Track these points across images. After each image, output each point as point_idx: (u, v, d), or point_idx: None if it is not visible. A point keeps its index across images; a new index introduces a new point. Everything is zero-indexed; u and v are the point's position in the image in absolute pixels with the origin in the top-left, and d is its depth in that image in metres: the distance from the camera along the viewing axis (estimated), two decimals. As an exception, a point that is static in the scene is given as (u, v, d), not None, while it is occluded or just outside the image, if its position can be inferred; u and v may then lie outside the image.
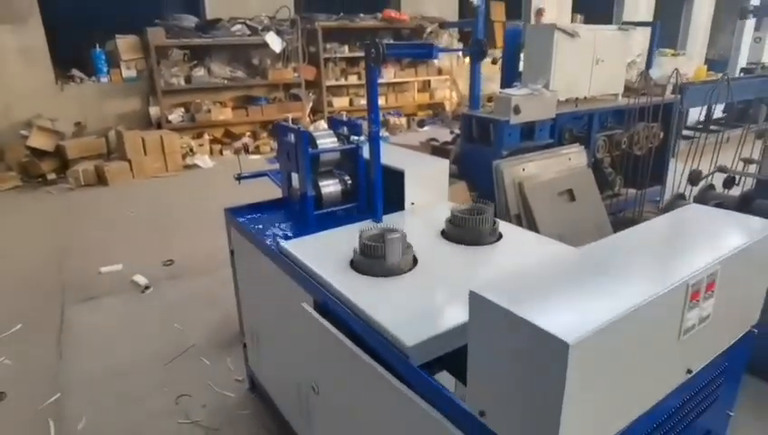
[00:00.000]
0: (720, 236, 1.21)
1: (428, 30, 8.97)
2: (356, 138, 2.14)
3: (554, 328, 0.82)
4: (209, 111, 7.70)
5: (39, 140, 6.62)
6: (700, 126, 6.26)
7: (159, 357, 3.00)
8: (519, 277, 1.02)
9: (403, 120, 9.12)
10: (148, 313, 3.51)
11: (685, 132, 6.74)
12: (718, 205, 2.85)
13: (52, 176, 6.51)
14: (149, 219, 5.24)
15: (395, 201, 2.20)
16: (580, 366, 0.82)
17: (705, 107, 4.90)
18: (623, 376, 0.95)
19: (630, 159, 4.63)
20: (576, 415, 0.88)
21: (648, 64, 5.17)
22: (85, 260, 4.29)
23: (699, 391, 1.21)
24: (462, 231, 1.82)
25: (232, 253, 2.41)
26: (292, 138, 2.19)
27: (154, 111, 7.53)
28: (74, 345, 3.17)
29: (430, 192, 2.24)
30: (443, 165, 2.28)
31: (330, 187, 2.26)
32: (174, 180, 6.66)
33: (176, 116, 7.60)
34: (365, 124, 2.09)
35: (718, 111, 7.28)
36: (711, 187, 3.19)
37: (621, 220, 4.56)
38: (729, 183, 3.19)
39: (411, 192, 2.18)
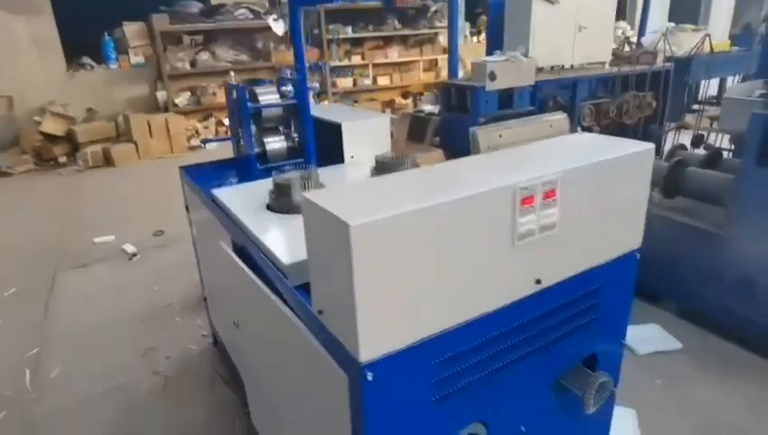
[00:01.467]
0: (578, 153, 1.22)
1: (433, 9, 8.90)
2: (285, 88, 2.20)
3: (343, 214, 0.87)
4: (215, 93, 7.85)
5: (51, 126, 6.90)
6: (714, 100, 6.06)
7: (135, 316, 3.15)
8: (354, 188, 1.07)
9: (408, 101, 9.10)
10: (132, 277, 3.68)
11: (697, 107, 6.52)
12: (680, 162, 2.81)
13: (63, 159, 6.79)
14: (148, 196, 5.43)
15: (337, 156, 2.26)
16: (370, 251, 0.87)
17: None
18: (441, 273, 0.98)
19: (627, 131, 4.56)
20: (380, 305, 0.92)
21: (641, 31, 5.04)
22: (82, 233, 4.49)
23: (562, 307, 1.23)
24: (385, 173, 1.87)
25: (187, 208, 2.52)
26: (234, 94, 2.27)
27: (161, 95, 7.73)
28: (60, 306, 3.35)
29: (371, 146, 2.28)
30: (383, 120, 2.32)
31: (275, 143, 2.32)
32: (178, 161, 6.83)
33: (182, 99, 7.78)
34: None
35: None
36: (682, 146, 3.13)
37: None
38: (697, 141, 3.13)
39: (350, 146, 2.22)
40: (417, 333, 1.00)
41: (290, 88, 2.27)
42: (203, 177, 2.32)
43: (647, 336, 2.65)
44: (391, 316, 0.95)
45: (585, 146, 1.31)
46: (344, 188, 1.07)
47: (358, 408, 1.00)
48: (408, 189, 1.04)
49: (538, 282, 1.15)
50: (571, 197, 1.13)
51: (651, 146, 1.29)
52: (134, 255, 3.98)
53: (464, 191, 0.98)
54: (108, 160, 6.67)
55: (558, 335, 1.26)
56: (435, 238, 0.95)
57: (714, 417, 2.18)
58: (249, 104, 2.19)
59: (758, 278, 2.43)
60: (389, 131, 2.34)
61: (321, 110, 2.55)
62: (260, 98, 2.24)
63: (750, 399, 2.26)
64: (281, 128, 2.36)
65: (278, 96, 2.28)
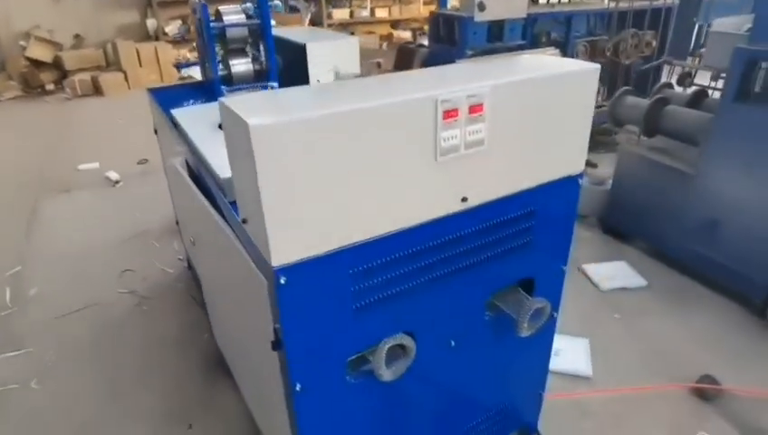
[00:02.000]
0: (515, 69, 1.19)
1: (436, -64, 8.42)
2: (248, 5, 2.13)
3: (247, 114, 0.86)
4: (206, 23, 7.60)
5: (37, 51, 6.74)
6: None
7: (115, 240, 3.21)
8: (274, 94, 1.05)
9: (407, 34, 8.81)
10: (114, 203, 3.72)
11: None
12: (661, 100, 2.74)
13: (50, 86, 6.69)
14: (135, 125, 5.38)
15: (304, 79, 2.22)
16: (274, 153, 0.87)
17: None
18: (356, 184, 0.98)
19: (620, 70, 4.43)
20: (290, 210, 0.93)
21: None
22: (67, 160, 4.49)
23: (492, 227, 1.24)
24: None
25: (155, 131, 2.50)
26: (198, 13, 2.20)
27: (151, 23, 7.50)
28: (41, 228, 3.41)
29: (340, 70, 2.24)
30: (351, 42, 2.26)
31: (240, 65, 2.28)
32: (168, 92, 6.74)
33: (172, 28, 7.55)
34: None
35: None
36: (668, 84, 3.05)
37: (598, 131, 4.44)
38: (682, 80, 3.04)
39: (315, 68, 2.18)
40: (332, 241, 1.01)
41: (249, 5, 2.20)
42: (168, 99, 2.29)
43: (613, 273, 2.70)
44: (304, 223, 0.96)
45: (527, 64, 1.28)
46: (264, 95, 1.05)
47: (275, 311, 1.04)
48: (327, 97, 1.03)
49: (464, 200, 1.15)
50: (502, 113, 1.11)
51: (596, 67, 1.25)
52: (117, 182, 4.00)
53: (379, 100, 0.96)
54: (97, 89, 6.56)
55: (489, 255, 1.28)
56: (347, 147, 0.95)
57: (660, 346, 2.25)
58: (212, 24, 2.12)
59: (721, 219, 2.43)
60: (358, 55, 2.28)
61: (288, 31, 2.48)
62: (224, 17, 2.17)
63: (697, 331, 2.33)
64: (247, 50, 2.31)
65: (243, 16, 2.21)
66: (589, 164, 3.31)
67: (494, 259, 1.30)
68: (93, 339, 2.40)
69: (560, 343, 2.22)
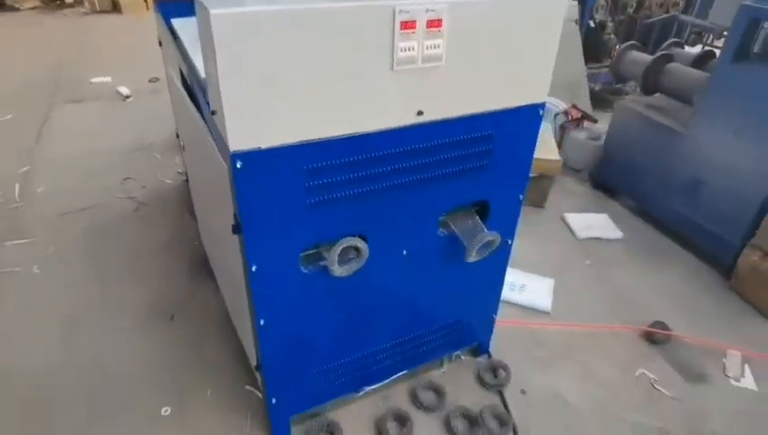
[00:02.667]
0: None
1: None
2: None
3: (211, 5, 0.93)
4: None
5: (59, -38, 6.71)
6: None
7: (119, 150, 3.34)
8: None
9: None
10: (123, 116, 3.83)
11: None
12: (664, 57, 2.72)
13: (70, 0, 6.69)
14: (150, 44, 5.40)
15: None
16: (233, 43, 0.95)
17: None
18: (312, 82, 1.05)
19: (640, 28, 4.32)
20: (247, 100, 1.02)
21: None
22: (81, 72, 4.59)
23: (447, 145, 1.31)
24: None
25: (160, 43, 2.56)
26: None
27: (174, -59, 7.35)
28: (51, 134, 3.55)
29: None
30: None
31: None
32: (186, 15, 6.71)
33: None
34: None
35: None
36: (677, 43, 3.00)
37: (610, 90, 4.39)
38: (697, 40, 2.99)
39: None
40: (288, 136, 1.10)
41: None
42: (176, 11, 2.33)
43: (592, 224, 2.77)
44: (262, 114, 1.05)
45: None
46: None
47: (234, 195, 1.14)
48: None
49: (420, 113, 1.22)
50: (462, 32, 1.16)
51: (564, -4, 1.28)
52: (127, 97, 4.10)
53: (338, 3, 1.02)
54: (115, 6, 6.56)
55: (443, 173, 1.36)
56: (305, 45, 1.02)
57: (622, 293, 2.35)
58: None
59: (705, 179, 2.47)
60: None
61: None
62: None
63: (662, 284, 2.42)
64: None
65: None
66: (588, 118, 3.32)
67: (448, 178, 1.38)
68: (91, 236, 2.57)
69: (527, 280, 2.34)
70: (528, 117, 1.40)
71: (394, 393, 1.83)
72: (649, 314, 2.21)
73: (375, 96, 1.15)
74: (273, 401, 1.56)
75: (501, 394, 1.84)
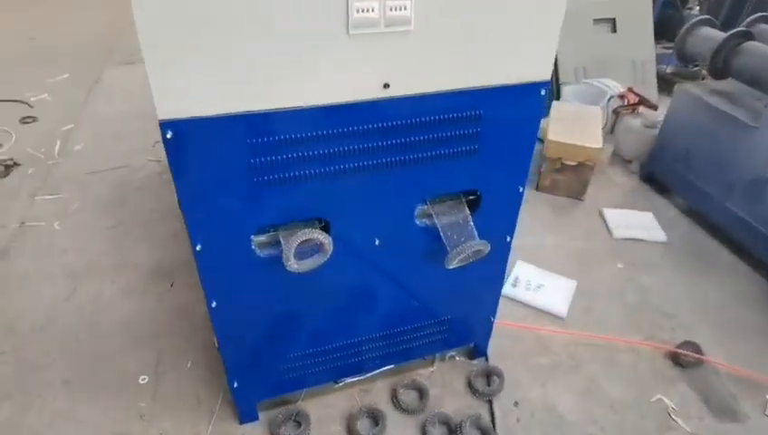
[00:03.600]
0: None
1: None
2: None
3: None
4: None
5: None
6: None
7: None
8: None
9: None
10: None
11: None
12: (741, 34, 2.33)
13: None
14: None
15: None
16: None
17: None
18: (253, 40, 0.92)
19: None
20: (176, 61, 0.91)
21: None
22: (135, 35, 4.69)
23: (422, 124, 1.14)
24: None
25: None
26: None
27: None
28: (100, 94, 3.67)
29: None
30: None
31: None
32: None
33: None
34: None
35: None
36: (764, 18, 2.56)
37: (683, 73, 3.91)
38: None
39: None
40: (225, 104, 0.98)
41: None
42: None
43: (633, 222, 2.48)
44: (195, 77, 0.93)
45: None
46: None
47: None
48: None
49: (386, 86, 1.06)
50: (433, -6, 0.99)
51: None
52: (174, 60, 4.16)
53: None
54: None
55: (419, 156, 1.19)
56: (235, -1, 0.89)
57: (653, 304, 2.08)
58: None
59: (773, 180, 2.11)
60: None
61: None
62: None
63: (703, 297, 2.12)
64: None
65: None
66: (646, 103, 2.96)
67: (426, 162, 1.21)
68: (114, 196, 2.62)
69: (546, 279, 2.13)
70: (525, 97, 1.20)
71: (375, 389, 1.72)
72: (681, 331, 1.94)
73: (328, 65, 1.00)
74: (235, 384, 1.49)
75: (490, 404, 1.68)
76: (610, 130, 2.99)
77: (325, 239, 1.19)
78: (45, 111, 3.42)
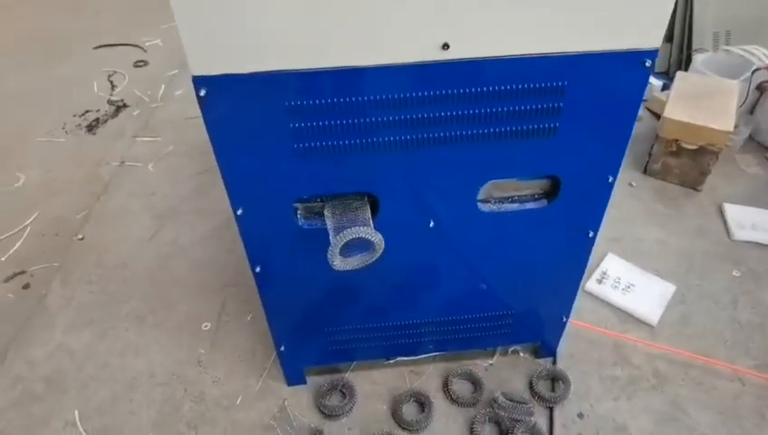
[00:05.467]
0: None
1: None
2: None
3: None
4: None
5: None
6: None
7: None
8: None
9: None
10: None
11: None
12: None
13: None
14: None
15: None
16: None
17: None
18: None
19: None
20: (207, 16, 0.82)
21: None
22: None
23: (490, 95, 0.96)
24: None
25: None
26: None
27: None
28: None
29: None
30: None
31: None
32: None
33: None
34: None
35: None
36: None
37: None
38: None
39: None
40: (262, 61, 0.88)
41: None
42: None
43: (761, 224, 2.07)
44: (228, 30, 0.85)
45: None
46: None
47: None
48: None
49: (445, 47, 0.90)
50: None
51: None
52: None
53: None
54: None
55: (484, 132, 1.02)
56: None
57: (764, 322, 1.73)
58: None
59: None
60: None
61: None
62: None
63: None
64: None
65: None
66: (804, 79, 2.42)
67: (493, 138, 1.04)
68: (205, 142, 2.67)
69: (639, 278, 1.87)
70: (625, 68, 0.96)
71: (426, 373, 1.63)
72: (805, 363, 1.61)
73: (381, 19, 0.86)
74: (282, 348, 1.47)
75: (551, 411, 1.51)
76: (750, 110, 2.50)
77: (375, 237, 1.08)
78: (156, 56, 3.60)
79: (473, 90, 0.96)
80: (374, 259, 1.11)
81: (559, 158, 1.10)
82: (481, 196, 1.17)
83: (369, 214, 1.13)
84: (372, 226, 1.10)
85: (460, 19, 0.87)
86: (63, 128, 2.87)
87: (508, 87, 0.96)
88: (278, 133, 0.98)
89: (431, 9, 0.85)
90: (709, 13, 2.77)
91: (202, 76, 0.90)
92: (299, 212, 1.16)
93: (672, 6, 0.90)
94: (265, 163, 1.03)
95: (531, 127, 1.03)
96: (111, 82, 3.30)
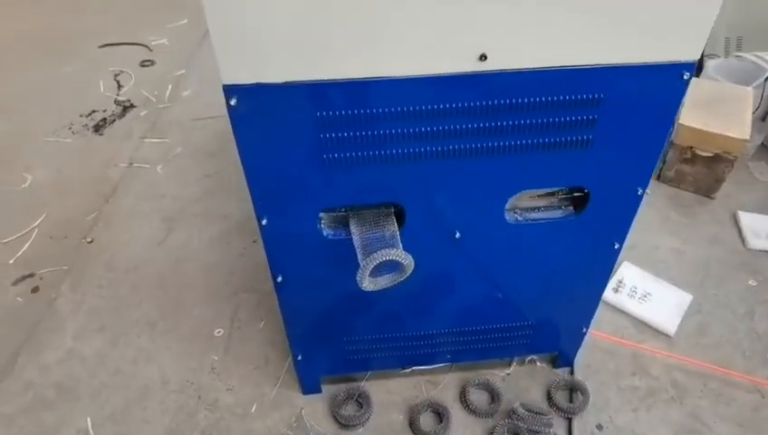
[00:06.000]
0: None
1: None
2: None
3: None
4: None
5: None
6: None
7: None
8: None
9: None
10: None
11: None
12: None
13: None
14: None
15: None
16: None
17: None
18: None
19: None
20: (237, 17, 0.80)
21: None
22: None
23: (525, 107, 0.94)
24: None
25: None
26: None
27: None
28: (209, 43, 3.74)
29: None
30: None
31: None
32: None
33: None
34: None
35: None
36: None
37: None
38: None
39: None
40: (294, 71, 0.86)
41: None
42: None
43: (777, 232, 2.07)
44: (261, 39, 0.83)
45: None
46: None
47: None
48: None
49: (483, 58, 0.88)
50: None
51: None
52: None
53: None
54: None
55: (517, 143, 1.01)
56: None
57: (788, 338, 1.73)
58: None
59: None
60: None
61: None
62: None
63: None
64: None
65: None
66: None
67: (526, 150, 1.02)
68: (213, 144, 2.68)
69: (655, 287, 1.86)
70: (662, 81, 0.95)
71: (443, 383, 1.61)
72: (825, 376, 1.60)
73: (419, 29, 0.84)
74: (299, 357, 1.46)
75: (570, 422, 1.50)
76: (762, 117, 2.49)
77: (406, 260, 1.05)
78: (162, 56, 3.57)
79: (509, 101, 0.95)
80: (403, 279, 1.09)
81: (590, 169, 1.09)
82: (508, 206, 1.16)
83: (395, 226, 1.11)
84: (399, 240, 1.08)
85: (499, 30, 0.85)
86: (70, 128, 2.84)
87: (545, 99, 0.95)
88: (308, 144, 0.96)
89: (470, 21, 0.84)
90: (722, 17, 2.76)
91: (233, 85, 0.88)
92: (323, 222, 1.14)
93: (714, 18, 0.89)
94: (293, 173, 1.01)
95: (565, 139, 1.02)
96: (118, 82, 3.27)
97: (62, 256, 2.09)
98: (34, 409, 1.59)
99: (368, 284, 1.05)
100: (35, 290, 1.98)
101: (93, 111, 2.97)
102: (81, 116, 2.93)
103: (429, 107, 0.94)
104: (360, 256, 1.05)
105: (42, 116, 2.94)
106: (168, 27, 3.91)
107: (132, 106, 3.04)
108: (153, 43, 3.72)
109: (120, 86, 3.23)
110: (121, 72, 3.36)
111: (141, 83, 3.25)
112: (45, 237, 2.19)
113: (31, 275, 2.03)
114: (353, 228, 1.09)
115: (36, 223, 2.24)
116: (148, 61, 3.51)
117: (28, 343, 1.76)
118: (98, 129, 2.84)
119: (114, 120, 2.91)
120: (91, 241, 2.13)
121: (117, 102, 3.06)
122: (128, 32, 3.83)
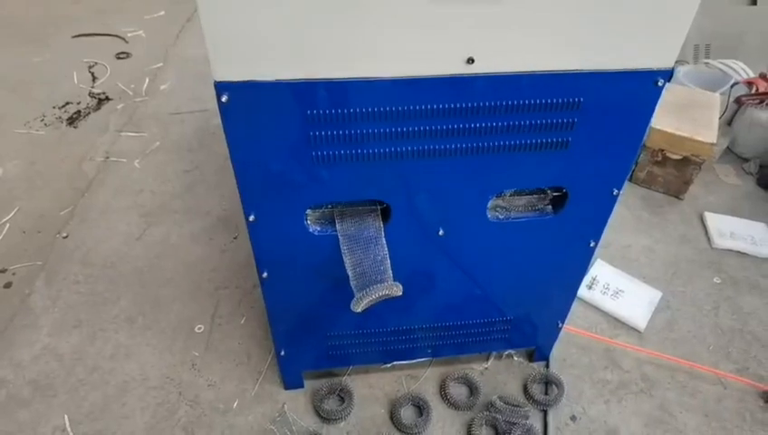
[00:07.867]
0: None
1: None
2: None
3: None
4: None
5: None
6: None
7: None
8: None
9: None
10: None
11: None
12: None
13: None
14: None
15: None
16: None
17: None
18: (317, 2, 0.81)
19: None
20: (230, 16, 0.81)
21: None
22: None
23: (507, 109, 0.98)
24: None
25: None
26: None
27: None
28: (190, 34, 3.68)
29: None
30: None
31: None
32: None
33: None
34: None
35: None
36: None
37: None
38: None
39: None
40: (290, 70, 0.88)
41: None
42: None
43: (739, 231, 2.16)
44: (252, 38, 0.84)
45: None
46: None
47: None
48: None
49: (470, 61, 0.91)
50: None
51: None
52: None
53: None
54: None
55: (498, 144, 1.04)
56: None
57: (753, 332, 1.82)
58: None
59: None
60: None
61: None
62: None
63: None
64: None
65: None
66: (780, 95, 2.53)
67: (508, 150, 1.06)
68: (192, 139, 2.65)
69: (627, 284, 1.92)
70: (638, 87, 1.00)
71: (423, 377, 1.64)
72: (784, 368, 1.69)
73: (409, 32, 0.86)
74: (282, 352, 1.47)
75: (545, 414, 1.55)
76: (728, 122, 2.61)
77: (398, 292, 1.11)
78: (139, 48, 3.51)
79: (492, 103, 0.98)
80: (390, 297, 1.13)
81: (568, 170, 1.13)
82: (490, 205, 1.19)
83: (380, 223, 1.14)
84: (384, 237, 1.11)
85: (487, 36, 0.88)
86: (43, 120, 2.77)
87: (528, 101, 0.98)
88: (297, 141, 0.98)
89: (461, 25, 0.86)
90: (692, 26, 2.86)
91: (225, 82, 0.89)
92: (309, 218, 1.16)
93: (686, 31, 0.94)
94: (282, 170, 1.02)
95: (545, 140, 1.06)
96: (93, 74, 3.20)
97: (35, 252, 2.04)
98: (9, 407, 1.56)
99: (360, 308, 1.10)
100: (8, 286, 1.93)
101: (67, 103, 2.91)
102: (54, 108, 2.87)
103: (418, 107, 0.96)
104: (353, 285, 1.09)
105: (12, 107, 2.86)
106: (145, 19, 3.84)
107: (108, 99, 2.98)
108: (129, 34, 3.65)
109: (94, 78, 3.17)
110: (96, 63, 3.29)
111: (117, 76, 3.19)
112: (18, 232, 2.14)
113: (3, 271, 1.98)
114: (339, 226, 1.11)
115: (8, 217, 2.19)
116: (124, 53, 3.44)
117: (1, 340, 1.72)
118: (72, 121, 2.78)
119: (89, 113, 2.86)
120: (67, 236, 2.10)
121: (92, 95, 3.00)
122: (102, 22, 3.75)
